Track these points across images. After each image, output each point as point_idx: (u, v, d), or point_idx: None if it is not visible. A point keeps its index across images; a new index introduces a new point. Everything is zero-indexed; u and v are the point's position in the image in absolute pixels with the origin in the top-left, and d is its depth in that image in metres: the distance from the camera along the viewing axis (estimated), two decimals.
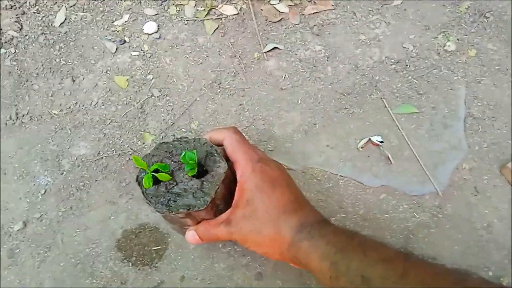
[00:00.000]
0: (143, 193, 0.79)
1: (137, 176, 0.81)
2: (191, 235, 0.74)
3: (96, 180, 1.08)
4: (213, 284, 0.96)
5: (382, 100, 1.13)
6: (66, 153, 1.11)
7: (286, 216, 0.61)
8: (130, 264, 0.99)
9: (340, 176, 1.05)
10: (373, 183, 1.04)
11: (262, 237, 0.61)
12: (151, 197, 0.79)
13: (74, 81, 1.19)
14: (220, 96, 1.16)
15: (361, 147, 1.07)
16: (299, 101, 1.14)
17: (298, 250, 0.58)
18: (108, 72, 1.20)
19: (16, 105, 1.17)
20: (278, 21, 1.25)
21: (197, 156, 0.77)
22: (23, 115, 1.16)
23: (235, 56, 1.20)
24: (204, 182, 0.74)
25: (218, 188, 0.73)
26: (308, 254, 0.57)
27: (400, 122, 1.10)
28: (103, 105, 1.16)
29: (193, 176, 0.79)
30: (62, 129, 1.14)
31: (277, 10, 1.27)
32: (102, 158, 1.10)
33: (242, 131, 1.12)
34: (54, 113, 1.16)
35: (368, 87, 1.15)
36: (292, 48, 1.21)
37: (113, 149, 1.11)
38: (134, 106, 1.16)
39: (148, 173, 0.79)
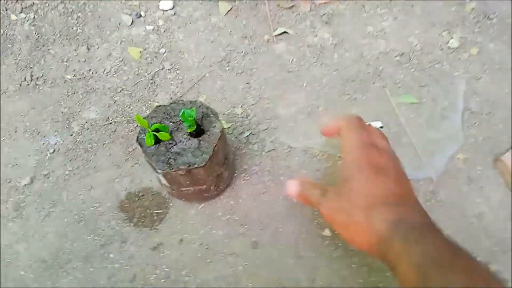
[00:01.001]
0: (144, 152, 0.83)
1: (137, 137, 0.85)
2: (293, 183, 0.62)
3: (103, 144, 1.11)
4: (210, 249, 1.00)
5: (384, 89, 1.17)
6: (77, 116, 1.15)
7: (383, 207, 0.50)
8: (132, 225, 1.02)
9: (339, 156, 1.09)
10: None
11: (351, 221, 0.52)
12: (152, 156, 0.83)
13: (89, 49, 1.23)
14: (229, 74, 1.20)
15: None
16: (305, 84, 1.18)
17: (388, 249, 0.48)
18: (122, 43, 1.24)
19: (31, 67, 1.21)
20: (289, 7, 1.29)
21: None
22: (37, 78, 1.20)
23: (246, 37, 1.24)
24: (201, 142, 0.79)
25: (215, 147, 0.77)
26: (398, 256, 0.47)
27: (401, 111, 1.14)
28: (115, 74, 1.20)
29: (190, 136, 0.84)
30: (74, 93, 1.18)
31: None
32: (111, 123, 1.14)
33: (247, 108, 1.16)
34: (68, 78, 1.20)
35: (372, 76, 1.19)
36: (301, 34, 1.25)
37: (122, 116, 1.14)
38: (145, 76, 1.20)
39: (149, 131, 0.83)
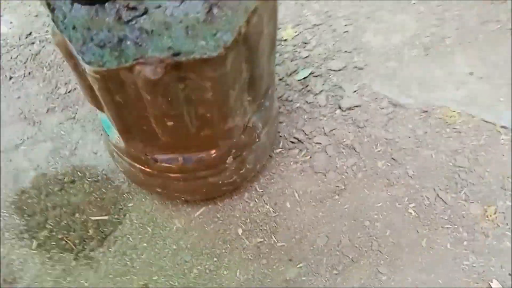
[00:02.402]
0: (55, 19, 0.33)
1: None
2: None
3: (11, 77, 0.55)
4: None
5: None
6: None
7: None
8: (37, 245, 0.44)
9: (501, 127, 0.51)
10: None
11: None
12: (77, 28, 0.32)
13: None
14: None
15: None
16: (413, 1, 0.62)
17: None
18: None
19: None
20: None
21: None
22: None
23: None
24: (216, 7, 0.32)
25: (252, 19, 0.32)
26: None
27: None
28: None
29: None
30: None
31: None
32: (33, 42, 0.58)
33: (306, 31, 0.59)
34: None
35: None
36: None
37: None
38: None
39: None
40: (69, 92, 0.55)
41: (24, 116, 0.53)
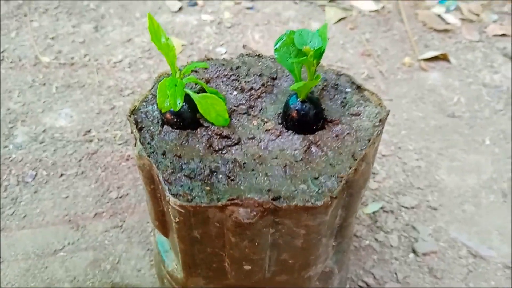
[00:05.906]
0: (143, 142, 0.31)
1: (136, 107, 0.33)
2: None
3: (62, 175, 0.52)
4: None
5: None
6: (33, 119, 0.58)
7: None
8: None
9: None
10: None
11: None
12: (168, 154, 0.30)
13: (97, 30, 0.71)
14: None
15: None
16: (487, 141, 0.60)
17: None
18: None
19: None
20: (442, 30, 0.77)
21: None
22: None
23: (370, 55, 0.70)
24: (314, 144, 0.31)
25: (360, 166, 0.30)
26: None
27: None
28: (129, 67, 0.65)
29: (289, 126, 0.32)
30: (44, 84, 0.63)
31: (442, 18, 0.79)
32: (91, 140, 0.56)
33: (376, 163, 0.56)
34: (44, 61, 0.66)
35: None
36: (468, 67, 0.70)
37: (117, 130, 0.57)
38: None
39: (176, 85, 0.31)
40: (120, 197, 0.51)
41: (69, 218, 0.50)
